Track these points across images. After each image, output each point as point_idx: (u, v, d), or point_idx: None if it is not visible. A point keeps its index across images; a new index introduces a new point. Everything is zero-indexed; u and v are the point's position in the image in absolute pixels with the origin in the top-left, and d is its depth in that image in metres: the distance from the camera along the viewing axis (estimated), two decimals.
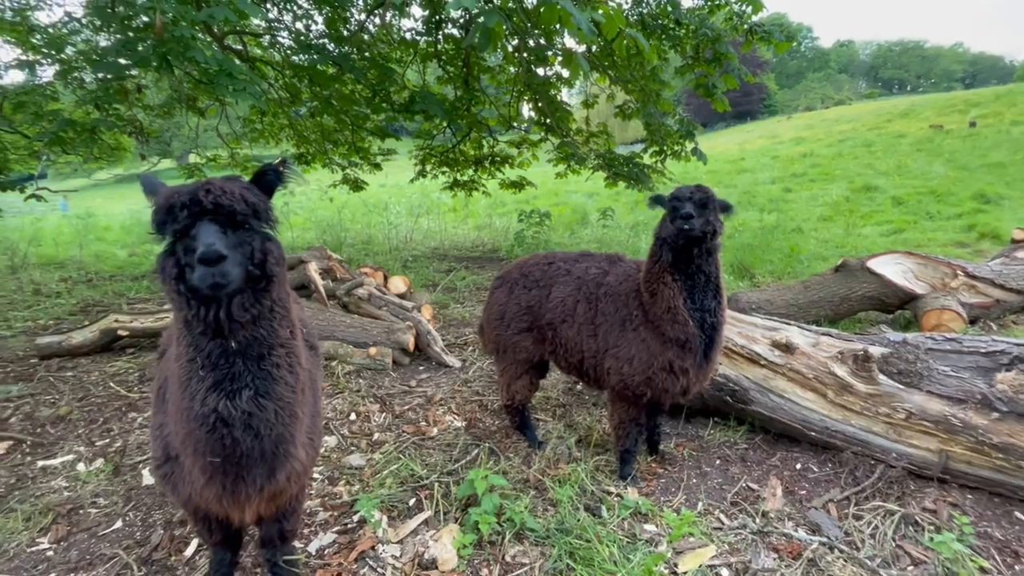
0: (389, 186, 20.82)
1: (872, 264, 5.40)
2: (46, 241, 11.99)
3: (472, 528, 2.58)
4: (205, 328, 1.49)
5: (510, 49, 6.98)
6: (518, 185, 10.74)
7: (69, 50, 7.11)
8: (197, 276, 1.40)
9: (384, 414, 3.98)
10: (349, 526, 2.74)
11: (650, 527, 2.67)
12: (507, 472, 3.12)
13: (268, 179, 1.62)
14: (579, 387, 4.34)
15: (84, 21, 6.97)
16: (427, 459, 3.32)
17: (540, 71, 8.21)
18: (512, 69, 8.90)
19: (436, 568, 2.38)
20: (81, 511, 2.91)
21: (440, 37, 8.54)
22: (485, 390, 4.35)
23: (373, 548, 2.53)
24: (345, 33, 7.95)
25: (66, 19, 7.09)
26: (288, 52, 8.30)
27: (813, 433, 3.27)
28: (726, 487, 3.04)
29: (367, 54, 7.61)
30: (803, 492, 2.98)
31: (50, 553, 2.61)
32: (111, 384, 4.48)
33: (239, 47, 8.02)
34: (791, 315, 5.17)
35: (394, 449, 3.43)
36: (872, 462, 3.04)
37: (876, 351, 3.19)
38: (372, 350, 4.80)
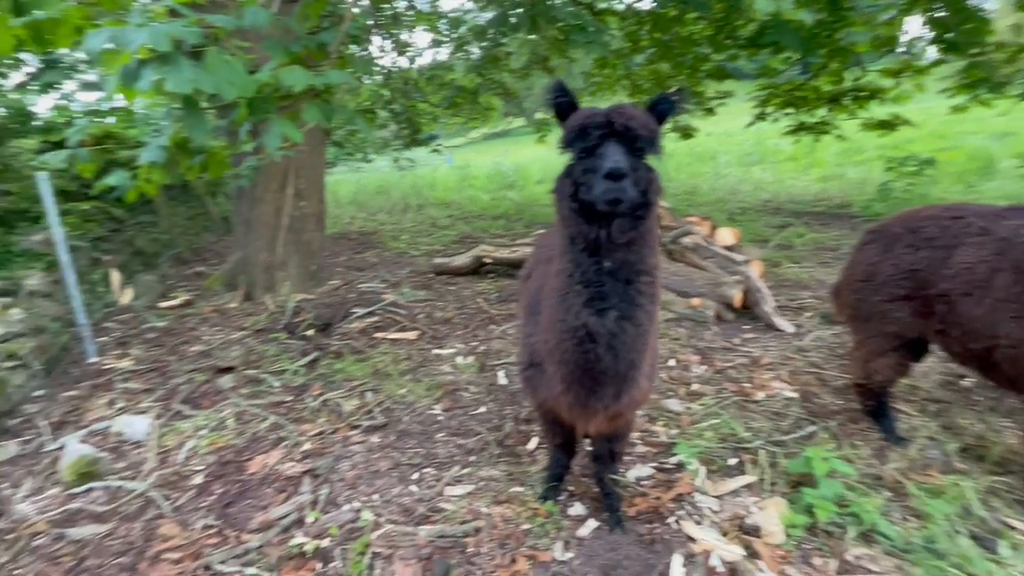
0: (717, 134, 19.51)
1: None
2: (439, 187, 15.51)
3: (804, 509, 2.31)
4: (586, 245, 1.63)
5: None
6: (889, 125, 8.64)
7: (462, 28, 8.76)
8: (600, 189, 1.49)
9: (704, 367, 3.86)
10: (665, 466, 2.79)
11: None
12: (851, 461, 2.66)
13: (661, 108, 1.64)
14: (966, 382, 3.35)
15: (472, 3, 8.45)
16: (750, 422, 3.09)
17: None
18: None
19: (759, 537, 2.22)
20: (459, 392, 3.76)
21: None
22: (825, 363, 3.76)
23: (690, 494, 2.53)
24: None
25: (462, 2, 8.74)
26: None
27: None
28: None
29: None
30: None
31: (440, 418, 3.46)
32: (478, 300, 5.59)
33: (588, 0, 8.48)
34: None
35: (714, 404, 3.31)
36: None
37: None
38: (695, 301, 4.67)
